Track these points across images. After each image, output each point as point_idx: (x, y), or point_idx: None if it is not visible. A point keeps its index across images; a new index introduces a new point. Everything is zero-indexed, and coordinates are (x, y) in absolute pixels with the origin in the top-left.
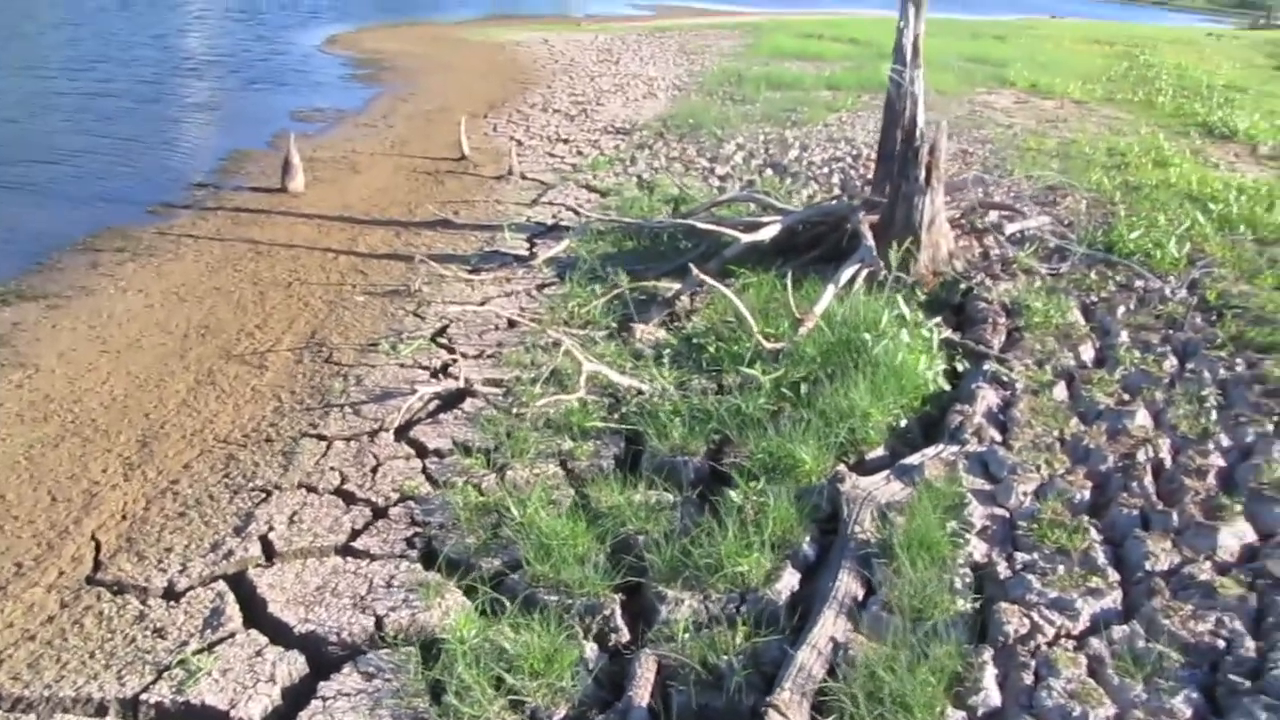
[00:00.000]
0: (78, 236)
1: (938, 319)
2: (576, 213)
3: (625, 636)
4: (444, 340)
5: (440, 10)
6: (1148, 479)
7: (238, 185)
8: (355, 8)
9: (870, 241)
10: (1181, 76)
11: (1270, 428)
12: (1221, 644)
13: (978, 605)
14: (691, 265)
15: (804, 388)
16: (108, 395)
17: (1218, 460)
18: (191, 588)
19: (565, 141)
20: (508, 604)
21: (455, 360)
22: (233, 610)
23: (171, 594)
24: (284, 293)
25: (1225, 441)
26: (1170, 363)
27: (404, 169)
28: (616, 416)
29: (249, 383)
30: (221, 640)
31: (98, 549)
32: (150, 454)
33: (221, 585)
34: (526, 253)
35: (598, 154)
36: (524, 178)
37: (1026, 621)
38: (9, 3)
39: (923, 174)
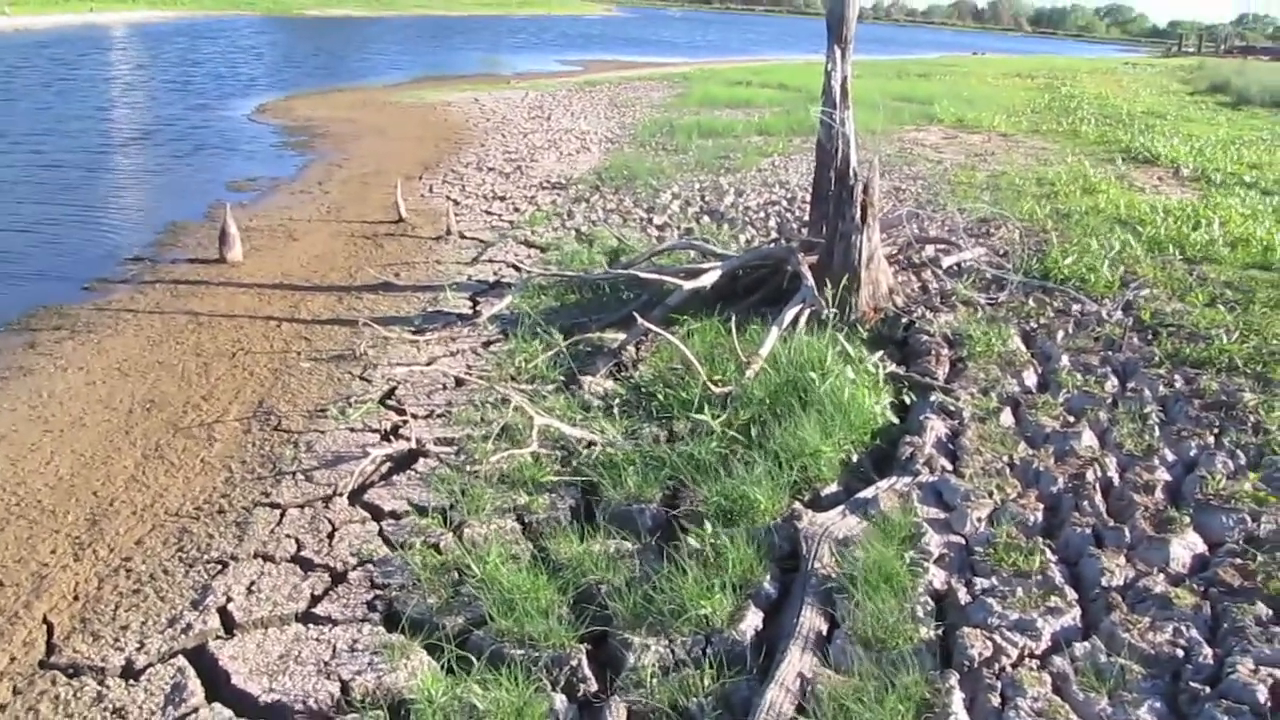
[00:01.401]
0: (12, 316)
1: (882, 354)
2: (517, 269)
3: (594, 686)
4: (393, 402)
5: (370, 75)
6: (1098, 497)
7: (175, 258)
8: (286, 76)
9: (810, 282)
10: (1103, 106)
11: (1211, 440)
12: (1180, 653)
13: (940, 632)
14: (636, 314)
15: (754, 429)
16: (53, 475)
17: (1164, 475)
18: (150, 665)
19: (502, 199)
20: (474, 661)
21: (405, 421)
22: (194, 685)
23: (130, 672)
24: (228, 363)
25: (1170, 456)
26: (1111, 383)
27: (342, 234)
28: (570, 469)
29: (198, 455)
30: (185, 716)
31: (50, 632)
32: (100, 532)
33: (181, 660)
34: (470, 311)
35: (535, 210)
36: (463, 237)
37: (990, 644)
38: None
39: (858, 213)
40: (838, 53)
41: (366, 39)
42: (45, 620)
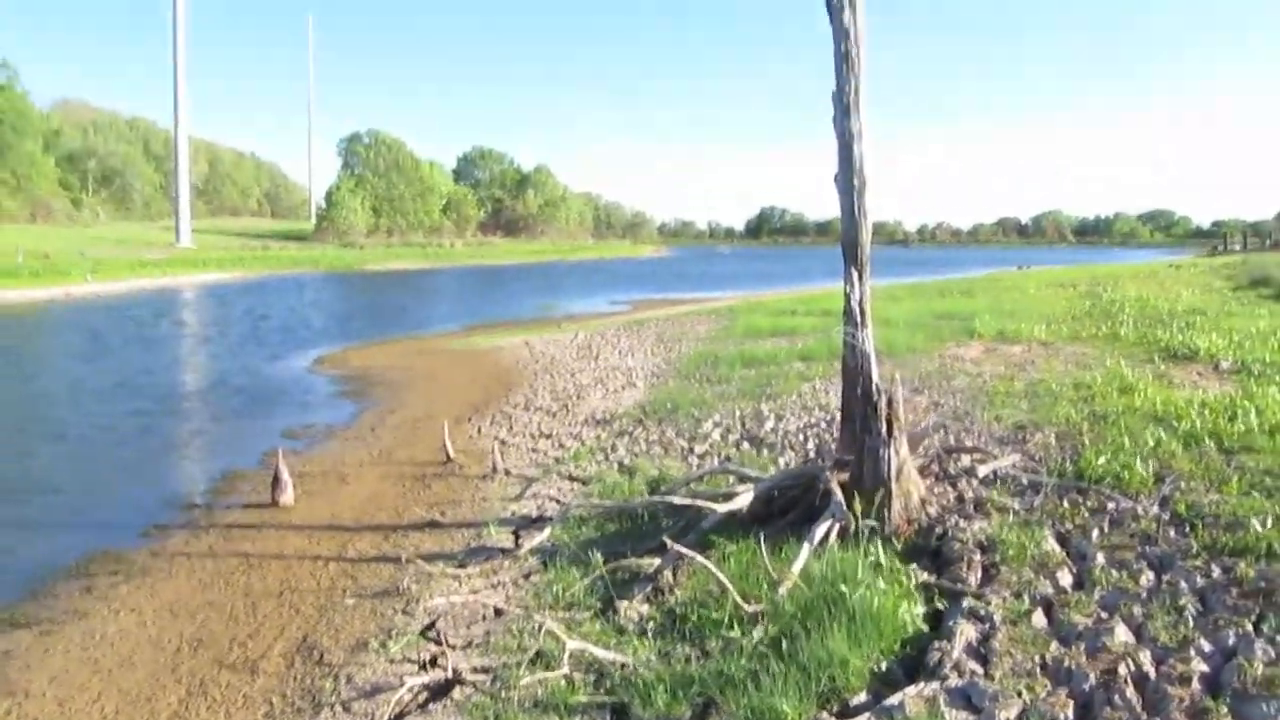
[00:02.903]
0: (71, 562)
1: (914, 565)
2: (559, 502)
3: None
4: (433, 634)
5: (425, 325)
6: (1129, 691)
7: (230, 503)
8: (347, 327)
9: (839, 497)
10: (1143, 307)
11: (1250, 627)
12: None
13: None
14: (667, 539)
15: (784, 643)
16: (98, 714)
17: (1200, 665)
18: None
19: (547, 437)
20: None
21: (443, 652)
22: None
23: None
24: (275, 601)
25: (1206, 647)
26: (1147, 577)
27: (391, 476)
28: (603, 690)
29: (240, 690)
30: None
31: None
32: None
33: None
34: (512, 544)
35: (579, 445)
36: (508, 474)
37: None
38: (44, 340)
39: (884, 426)
40: (854, 274)
41: (423, 291)
42: None
